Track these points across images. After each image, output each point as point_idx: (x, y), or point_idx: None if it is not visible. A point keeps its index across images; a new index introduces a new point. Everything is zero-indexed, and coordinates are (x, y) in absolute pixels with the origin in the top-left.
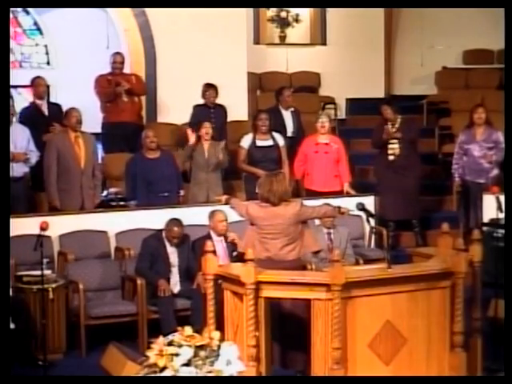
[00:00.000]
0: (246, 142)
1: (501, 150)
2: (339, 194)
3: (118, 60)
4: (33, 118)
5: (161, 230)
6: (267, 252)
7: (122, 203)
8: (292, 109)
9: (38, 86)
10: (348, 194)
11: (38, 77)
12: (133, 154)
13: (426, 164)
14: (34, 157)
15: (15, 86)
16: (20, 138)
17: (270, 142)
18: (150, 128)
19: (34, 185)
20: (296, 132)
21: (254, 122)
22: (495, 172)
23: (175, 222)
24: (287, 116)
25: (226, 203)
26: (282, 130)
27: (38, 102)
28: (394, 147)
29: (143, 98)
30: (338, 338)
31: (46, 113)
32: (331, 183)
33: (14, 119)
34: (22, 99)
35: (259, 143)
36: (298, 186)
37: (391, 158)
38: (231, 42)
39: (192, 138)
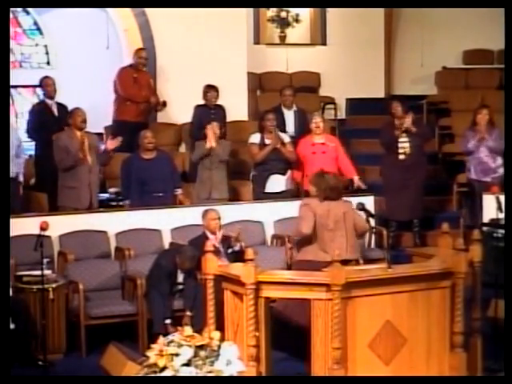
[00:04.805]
0: (255, 138)
1: None
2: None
3: (143, 55)
4: (43, 116)
5: (175, 251)
6: (327, 253)
7: (121, 203)
8: (295, 108)
9: (47, 85)
10: (359, 189)
11: (47, 77)
12: (130, 153)
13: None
14: (23, 156)
15: (15, 86)
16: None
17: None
18: (148, 128)
19: (36, 184)
20: (299, 132)
21: (261, 122)
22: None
23: (189, 255)
24: (289, 116)
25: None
26: (282, 129)
27: (48, 101)
28: (405, 146)
29: None
30: (337, 337)
31: (56, 113)
32: None
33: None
34: (22, 99)
35: (268, 142)
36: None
37: (401, 157)
38: (231, 42)
39: (212, 142)
